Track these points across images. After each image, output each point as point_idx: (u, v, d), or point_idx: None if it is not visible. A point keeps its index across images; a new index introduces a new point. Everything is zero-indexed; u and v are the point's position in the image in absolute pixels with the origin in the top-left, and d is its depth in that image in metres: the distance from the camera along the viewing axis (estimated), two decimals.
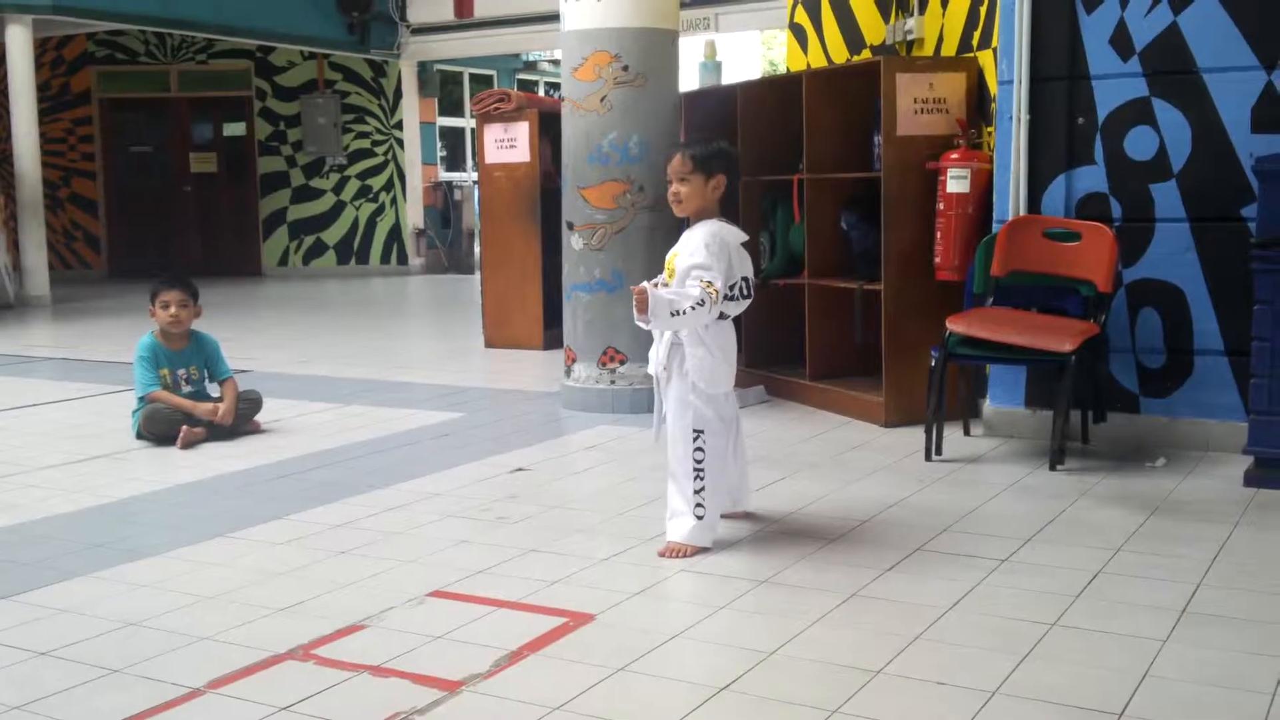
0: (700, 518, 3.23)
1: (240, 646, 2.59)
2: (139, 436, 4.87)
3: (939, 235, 4.77)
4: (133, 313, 9.96)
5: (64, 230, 15.03)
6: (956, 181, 4.72)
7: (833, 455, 4.43)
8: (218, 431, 4.87)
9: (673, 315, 3.15)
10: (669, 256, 3.30)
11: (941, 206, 4.76)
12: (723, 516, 3.41)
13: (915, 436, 4.50)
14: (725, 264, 3.19)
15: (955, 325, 4.25)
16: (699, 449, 3.25)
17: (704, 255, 3.17)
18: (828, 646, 2.54)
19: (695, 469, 3.25)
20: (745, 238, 3.30)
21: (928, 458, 4.28)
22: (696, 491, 3.24)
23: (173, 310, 4.93)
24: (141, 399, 4.89)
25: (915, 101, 4.83)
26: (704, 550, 3.22)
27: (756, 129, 5.79)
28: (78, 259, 15.14)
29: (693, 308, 3.14)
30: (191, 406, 4.86)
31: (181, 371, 4.99)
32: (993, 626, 2.65)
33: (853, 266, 5.28)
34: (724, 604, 2.82)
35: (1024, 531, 3.37)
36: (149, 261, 14.54)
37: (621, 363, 5.35)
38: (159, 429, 4.79)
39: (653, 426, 3.42)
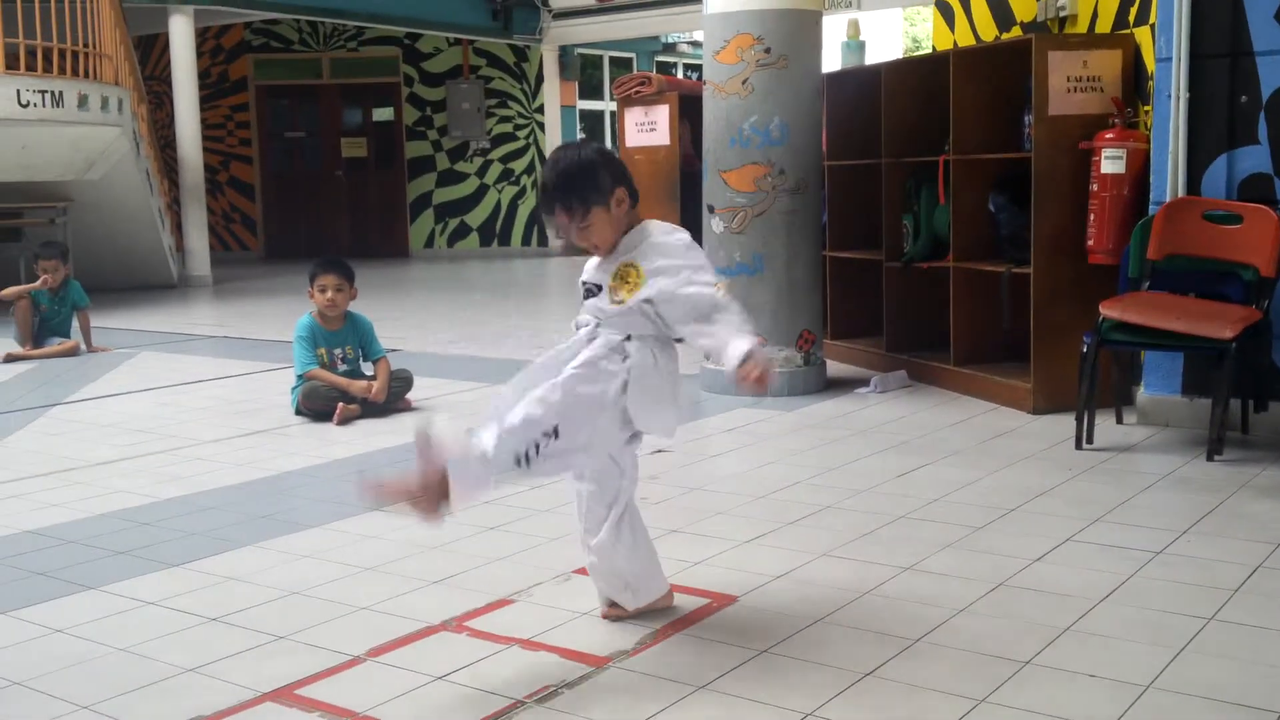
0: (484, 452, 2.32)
1: (396, 617, 2.69)
2: (298, 412, 5.08)
3: (1092, 217, 4.64)
4: (287, 293, 10.35)
5: (223, 213, 15.67)
6: (1111, 162, 4.59)
7: (977, 442, 4.36)
8: (371, 408, 5.05)
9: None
10: (621, 267, 2.47)
11: (1095, 188, 4.63)
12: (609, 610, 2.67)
13: (1064, 424, 4.40)
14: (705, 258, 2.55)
15: (1110, 310, 4.13)
16: (535, 445, 2.35)
17: (689, 255, 2.49)
18: (973, 636, 2.51)
19: (517, 452, 2.34)
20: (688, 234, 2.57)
21: (1078, 446, 4.18)
22: (504, 438, 2.33)
23: (329, 294, 5.12)
24: (300, 376, 5.10)
25: (1068, 80, 4.70)
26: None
27: (901, 110, 5.71)
28: (236, 241, 15.78)
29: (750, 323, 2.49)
30: (347, 384, 5.05)
31: (337, 351, 5.19)
32: (1146, 620, 2.59)
33: (1000, 249, 5.18)
34: (867, 590, 2.81)
35: (1179, 524, 3.27)
36: (302, 244, 15.09)
37: (760, 345, 5.33)
38: (316, 405, 4.99)
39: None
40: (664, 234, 2.51)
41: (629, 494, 2.62)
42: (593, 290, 2.54)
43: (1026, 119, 4.92)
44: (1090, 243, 4.66)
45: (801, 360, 5.39)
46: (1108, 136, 4.61)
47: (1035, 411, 4.77)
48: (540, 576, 2.95)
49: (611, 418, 2.46)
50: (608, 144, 16.73)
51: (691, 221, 6.97)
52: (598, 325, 2.51)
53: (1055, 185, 4.72)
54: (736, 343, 2.38)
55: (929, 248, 5.59)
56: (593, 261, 2.57)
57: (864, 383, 5.49)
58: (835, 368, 5.88)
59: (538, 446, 2.35)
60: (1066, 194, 4.72)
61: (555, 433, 2.36)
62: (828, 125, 5.98)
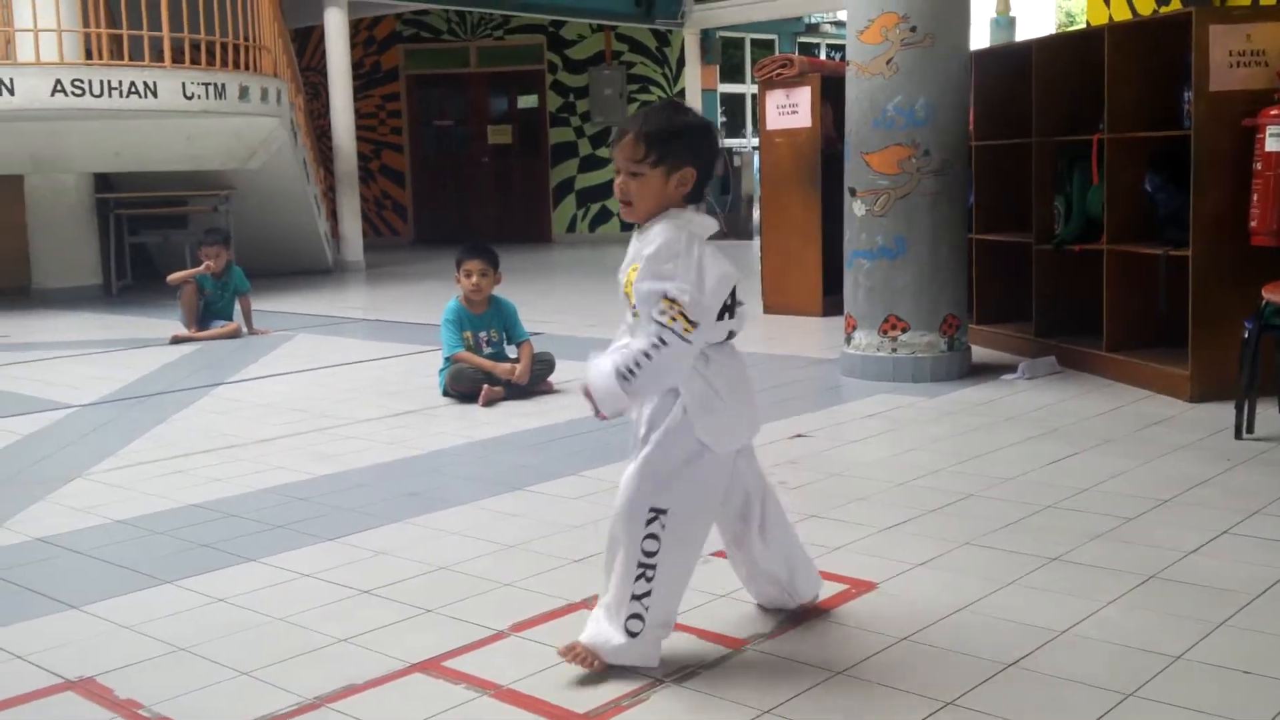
0: (633, 635, 2.25)
1: (538, 594, 2.75)
2: (445, 394, 5.22)
3: (1255, 197, 4.44)
4: (436, 278, 10.61)
5: (375, 200, 16.13)
6: (1276, 140, 4.37)
7: (1131, 430, 4.22)
8: (514, 390, 5.15)
9: (624, 380, 2.19)
10: (626, 270, 2.31)
11: (1259, 166, 4.42)
12: (765, 609, 2.58)
13: (1223, 413, 4.23)
14: (696, 269, 2.19)
15: (1273, 294, 3.95)
16: (652, 536, 2.24)
17: (659, 264, 2.21)
18: (1123, 628, 2.45)
19: (642, 565, 2.24)
20: (716, 227, 2.30)
21: (1238, 435, 4.01)
22: (637, 597, 2.25)
23: (474, 279, 5.23)
24: (447, 359, 5.23)
25: (1230, 54, 4.50)
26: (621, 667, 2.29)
27: (1053, 87, 5.55)
28: (387, 226, 16.23)
29: (643, 357, 2.18)
30: (491, 366, 5.16)
31: (483, 334, 5.31)
32: None
33: (1156, 231, 4.99)
34: (1011, 580, 2.76)
35: None
36: (449, 229, 15.44)
37: (903, 330, 5.27)
38: (462, 387, 5.12)
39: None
40: (660, 226, 2.25)
41: (760, 499, 2.47)
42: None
43: (1185, 95, 4.73)
44: (1253, 224, 4.45)
45: (945, 346, 5.30)
46: (1273, 113, 4.39)
47: (1192, 399, 4.59)
48: None
49: (706, 464, 2.29)
50: (747, 127, 16.66)
51: (832, 205, 6.92)
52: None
53: (1216, 164, 4.53)
54: (597, 362, 2.27)
55: (1081, 229, 5.42)
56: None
57: (1010, 369, 5.36)
58: (980, 353, 5.76)
59: (656, 543, 2.24)
60: (1228, 173, 4.52)
61: (661, 514, 2.25)
62: (976, 104, 5.85)
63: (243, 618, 2.66)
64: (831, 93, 7.26)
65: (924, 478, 3.68)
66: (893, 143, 5.21)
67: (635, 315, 2.25)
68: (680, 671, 2.30)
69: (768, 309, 7.87)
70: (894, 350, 5.29)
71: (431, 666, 2.37)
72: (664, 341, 2.17)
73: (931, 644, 2.40)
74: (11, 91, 8.66)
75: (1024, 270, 5.78)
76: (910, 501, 3.42)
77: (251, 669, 2.37)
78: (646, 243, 2.24)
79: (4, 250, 10.65)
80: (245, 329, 7.58)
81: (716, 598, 2.69)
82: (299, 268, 11.82)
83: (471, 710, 2.17)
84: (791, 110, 7.70)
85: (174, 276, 7.55)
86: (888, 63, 5.18)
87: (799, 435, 4.32)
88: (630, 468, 2.29)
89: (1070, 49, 5.56)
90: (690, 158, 2.23)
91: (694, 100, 15.42)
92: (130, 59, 9.19)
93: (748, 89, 16.63)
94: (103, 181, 10.79)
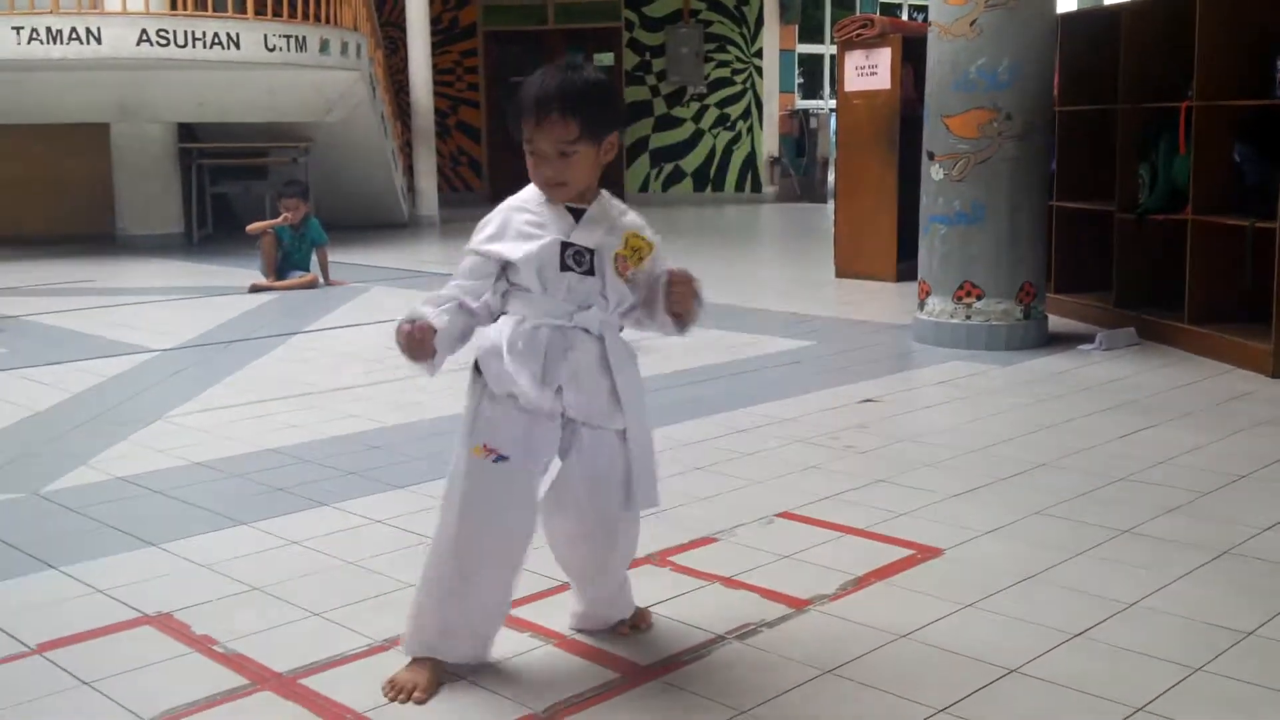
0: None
1: None
2: None
3: None
4: None
5: (450, 155, 16.23)
6: None
7: (1210, 405, 4.14)
8: None
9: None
10: (630, 235, 2.14)
11: None
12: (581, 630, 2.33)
13: None
14: None
15: None
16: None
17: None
18: (1194, 603, 2.41)
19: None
20: None
21: None
22: None
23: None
24: None
25: None
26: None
27: (1141, 53, 5.41)
28: (462, 182, 16.33)
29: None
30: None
31: None
32: None
33: (1244, 202, 4.86)
34: (1081, 550, 2.73)
35: None
36: (522, 186, 15.47)
37: (978, 297, 5.20)
38: None
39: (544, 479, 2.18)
40: (627, 211, 2.16)
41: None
42: (580, 257, 2.07)
43: (1278, 64, 4.58)
44: None
45: (1021, 314, 5.22)
46: None
47: (1275, 375, 4.48)
48: (743, 517, 2.99)
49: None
50: (825, 88, 16.46)
51: (909, 169, 6.83)
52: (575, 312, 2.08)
53: None
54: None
55: (1166, 199, 5.29)
56: (559, 219, 2.08)
57: (1088, 339, 5.27)
58: (1057, 323, 5.67)
59: None
60: None
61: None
62: (1061, 68, 5.72)
63: (315, 560, 2.73)
64: (912, 54, 7.14)
65: (995, 446, 3.64)
66: (974, 106, 5.12)
67: (629, 282, 2.12)
68: (742, 629, 2.32)
69: (840, 273, 7.80)
70: (968, 317, 5.23)
71: None
72: None
73: (997, 611, 2.39)
74: (99, 40, 8.82)
75: (1105, 239, 5.66)
76: (980, 469, 3.39)
77: (323, 610, 2.43)
78: (621, 212, 2.15)
79: (91, 197, 10.90)
80: (322, 280, 7.69)
81: (779, 559, 2.70)
82: (375, 221, 11.95)
83: (533, 658, 2.21)
84: (871, 71, 7.59)
85: (253, 226, 7.68)
86: (971, 24, 5.08)
87: (869, 400, 4.29)
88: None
89: (1161, 14, 5.40)
90: (614, 122, 2.09)
91: (771, 60, 15.28)
92: (214, 10, 9.31)
93: (826, 49, 16.42)
94: (186, 131, 10.98)
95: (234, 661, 2.19)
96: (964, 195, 5.18)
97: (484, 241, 2.11)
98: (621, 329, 2.19)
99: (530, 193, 2.14)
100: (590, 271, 2.08)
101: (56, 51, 8.78)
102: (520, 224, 2.09)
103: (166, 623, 2.37)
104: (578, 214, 2.10)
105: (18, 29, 8.73)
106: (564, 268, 2.06)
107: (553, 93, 2.04)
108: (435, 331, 2.04)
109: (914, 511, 3.03)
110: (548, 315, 2.07)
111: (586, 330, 2.09)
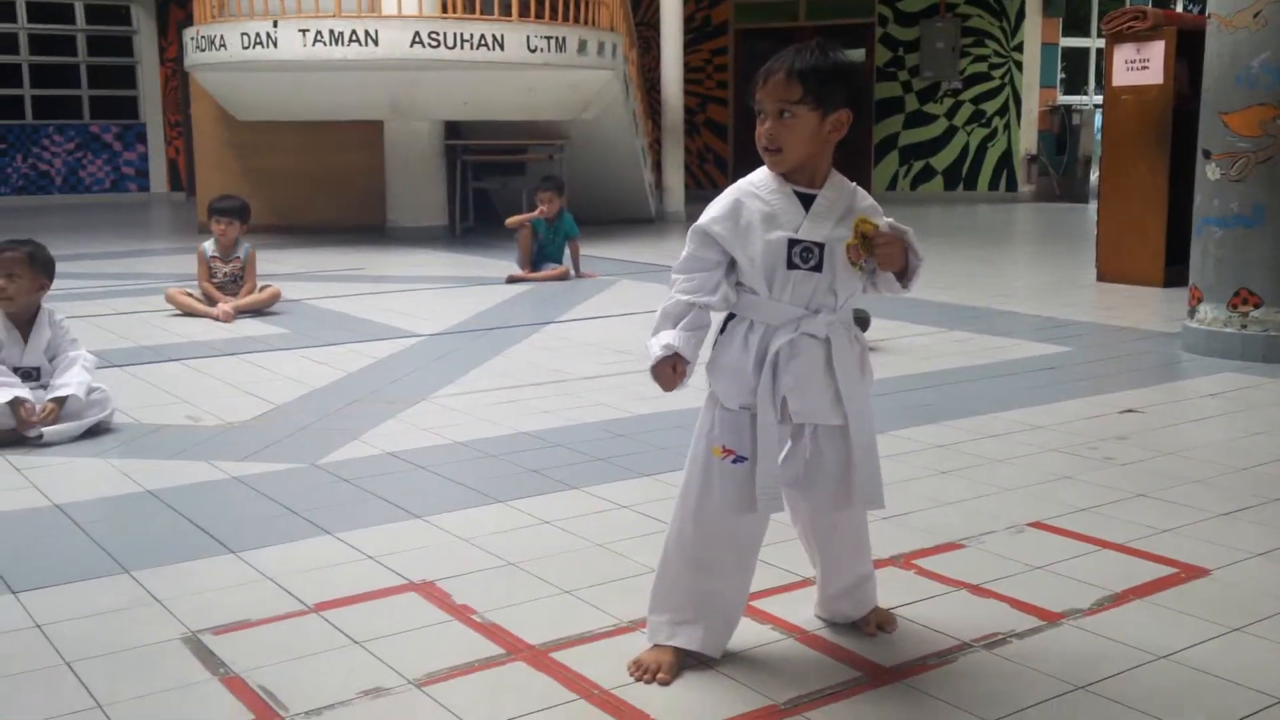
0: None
1: None
2: None
3: None
4: None
5: (697, 153, 16.42)
6: None
7: None
8: None
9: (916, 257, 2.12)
10: (858, 221, 2.06)
11: None
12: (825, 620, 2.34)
13: None
14: None
15: None
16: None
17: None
18: None
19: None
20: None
21: None
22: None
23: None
24: None
25: None
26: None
27: None
28: (708, 179, 16.50)
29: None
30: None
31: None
32: None
33: None
34: None
35: None
36: None
37: (1256, 306, 4.88)
38: None
39: (767, 489, 2.11)
40: (865, 198, 2.13)
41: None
42: (807, 254, 2.04)
43: None
44: None
45: None
46: None
47: None
48: (991, 525, 2.92)
49: None
50: (1089, 83, 15.73)
51: (1181, 169, 6.46)
52: (802, 319, 2.05)
53: None
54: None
55: None
56: (789, 209, 2.04)
57: None
58: None
59: None
60: None
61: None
62: None
63: (565, 540, 2.83)
64: (1187, 48, 6.75)
65: (1269, 464, 3.41)
66: (1255, 102, 4.80)
67: (862, 270, 2.08)
68: (990, 638, 2.27)
69: (1101, 276, 7.46)
70: (1244, 326, 4.91)
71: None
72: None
73: (1266, 636, 2.25)
74: (376, 42, 9.38)
75: None
76: (1252, 487, 3.19)
77: (572, 588, 2.53)
78: (860, 199, 2.11)
79: (364, 190, 11.61)
80: (574, 272, 7.94)
81: (1030, 569, 2.62)
82: (623, 216, 12.22)
83: (775, 650, 2.23)
84: (1142, 65, 7.22)
85: (512, 220, 8.01)
86: (1255, 15, 4.76)
87: (1130, 410, 4.10)
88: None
89: None
90: (846, 99, 2.03)
91: (1032, 54, 14.74)
92: (481, 13, 9.74)
93: (1092, 43, 15.69)
94: (451, 129, 11.53)
95: (491, 631, 2.31)
96: (1242, 197, 4.87)
97: (711, 223, 2.08)
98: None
99: (762, 175, 2.11)
100: (817, 268, 2.04)
101: (338, 53, 9.39)
102: (750, 214, 2.06)
103: (429, 590, 2.52)
104: (807, 201, 2.07)
105: (304, 31, 9.39)
106: (790, 265, 2.04)
107: (787, 56, 2.03)
108: (690, 364, 2.10)
109: (1177, 529, 2.88)
110: (773, 319, 2.07)
111: (812, 335, 2.08)
